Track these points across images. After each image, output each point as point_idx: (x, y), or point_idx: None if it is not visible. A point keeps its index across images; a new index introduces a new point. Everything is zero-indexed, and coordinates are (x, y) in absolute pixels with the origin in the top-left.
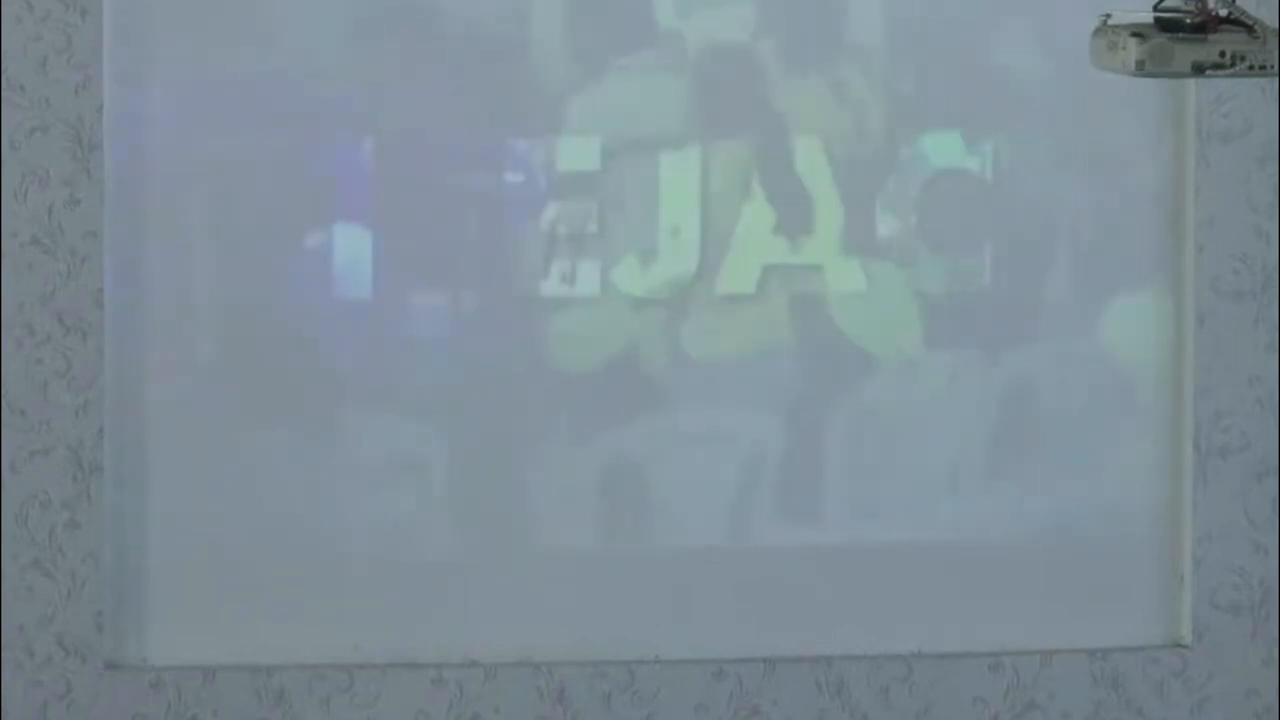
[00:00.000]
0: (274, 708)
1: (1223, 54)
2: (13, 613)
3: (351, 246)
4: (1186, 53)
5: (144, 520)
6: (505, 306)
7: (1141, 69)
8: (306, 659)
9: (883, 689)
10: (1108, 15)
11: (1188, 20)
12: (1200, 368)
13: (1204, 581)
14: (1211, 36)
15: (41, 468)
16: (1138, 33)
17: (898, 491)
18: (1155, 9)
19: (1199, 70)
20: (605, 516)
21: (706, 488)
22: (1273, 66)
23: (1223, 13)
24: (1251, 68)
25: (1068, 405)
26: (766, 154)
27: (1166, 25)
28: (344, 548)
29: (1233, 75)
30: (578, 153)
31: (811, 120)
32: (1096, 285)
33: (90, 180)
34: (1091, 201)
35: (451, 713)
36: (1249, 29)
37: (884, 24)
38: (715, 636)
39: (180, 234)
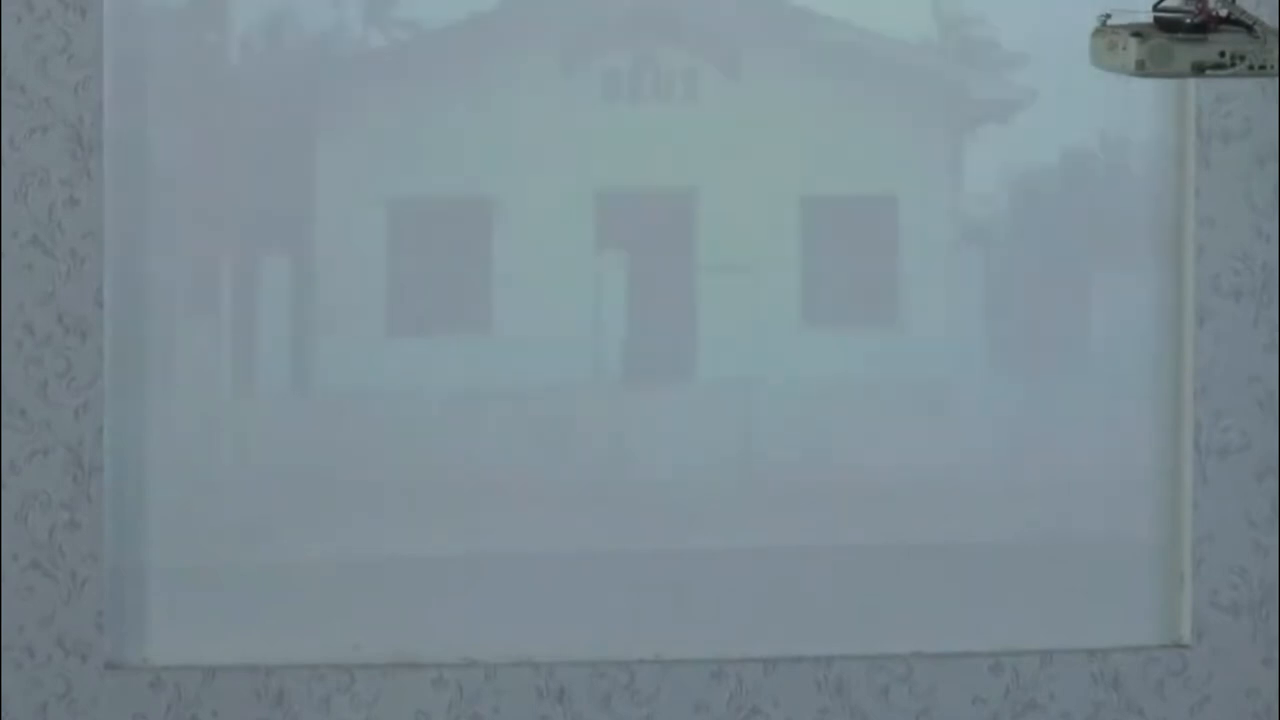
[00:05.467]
0: (274, 708)
1: (1223, 54)
2: (13, 613)
3: (354, 247)
4: (1186, 53)
5: (144, 520)
6: (505, 312)
7: (1141, 69)
8: (306, 659)
9: (883, 689)
10: (1108, 15)
11: (1188, 20)
12: (1200, 368)
13: (1204, 581)
14: (1211, 36)
15: (41, 468)
16: (1138, 33)
17: (898, 491)
18: (1155, 9)
19: (1199, 70)
20: (604, 517)
21: (707, 487)
22: (1273, 66)
23: (1223, 13)
24: (1251, 68)
25: (1067, 404)
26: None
27: (1166, 25)
28: (344, 548)
29: (1233, 75)
30: None
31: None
32: (1096, 285)
33: (90, 180)
34: (1091, 201)
35: (451, 713)
36: (1249, 29)
37: (881, 18)
38: (715, 636)
39: (180, 234)
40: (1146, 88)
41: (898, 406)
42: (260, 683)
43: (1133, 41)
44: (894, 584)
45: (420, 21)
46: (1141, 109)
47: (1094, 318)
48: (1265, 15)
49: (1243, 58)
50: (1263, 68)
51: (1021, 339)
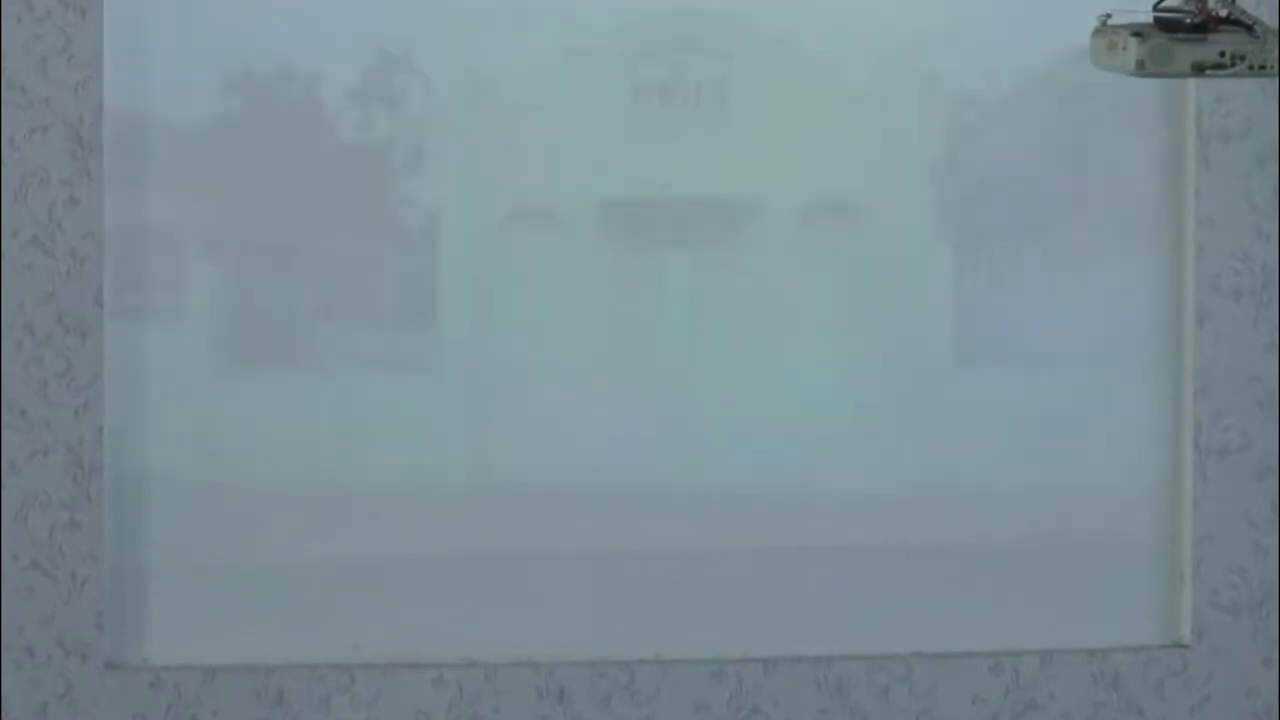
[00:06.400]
0: (274, 708)
1: (1223, 54)
2: (13, 613)
3: (354, 246)
4: (1186, 53)
5: (144, 520)
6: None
7: (1141, 69)
8: (306, 659)
9: (883, 689)
10: (1108, 15)
11: (1188, 20)
12: (1200, 368)
13: (1204, 581)
14: (1211, 36)
15: (41, 468)
16: (1138, 33)
17: (898, 492)
18: (1155, 9)
19: (1199, 70)
20: (605, 516)
21: (707, 488)
22: (1273, 66)
23: (1223, 13)
24: (1251, 68)
25: (1067, 405)
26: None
27: (1166, 25)
28: (344, 548)
29: (1233, 75)
30: None
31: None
32: (1096, 284)
33: (90, 180)
34: (1091, 201)
35: (451, 713)
36: (1249, 29)
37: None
38: (715, 636)
39: (180, 234)
40: (1146, 88)
41: (898, 407)
42: (260, 683)
43: (1133, 41)
44: (894, 584)
45: (428, 19)
46: (1141, 109)
47: (1094, 317)
48: (1265, 15)
49: (1243, 58)
50: (1263, 68)
51: (1022, 339)
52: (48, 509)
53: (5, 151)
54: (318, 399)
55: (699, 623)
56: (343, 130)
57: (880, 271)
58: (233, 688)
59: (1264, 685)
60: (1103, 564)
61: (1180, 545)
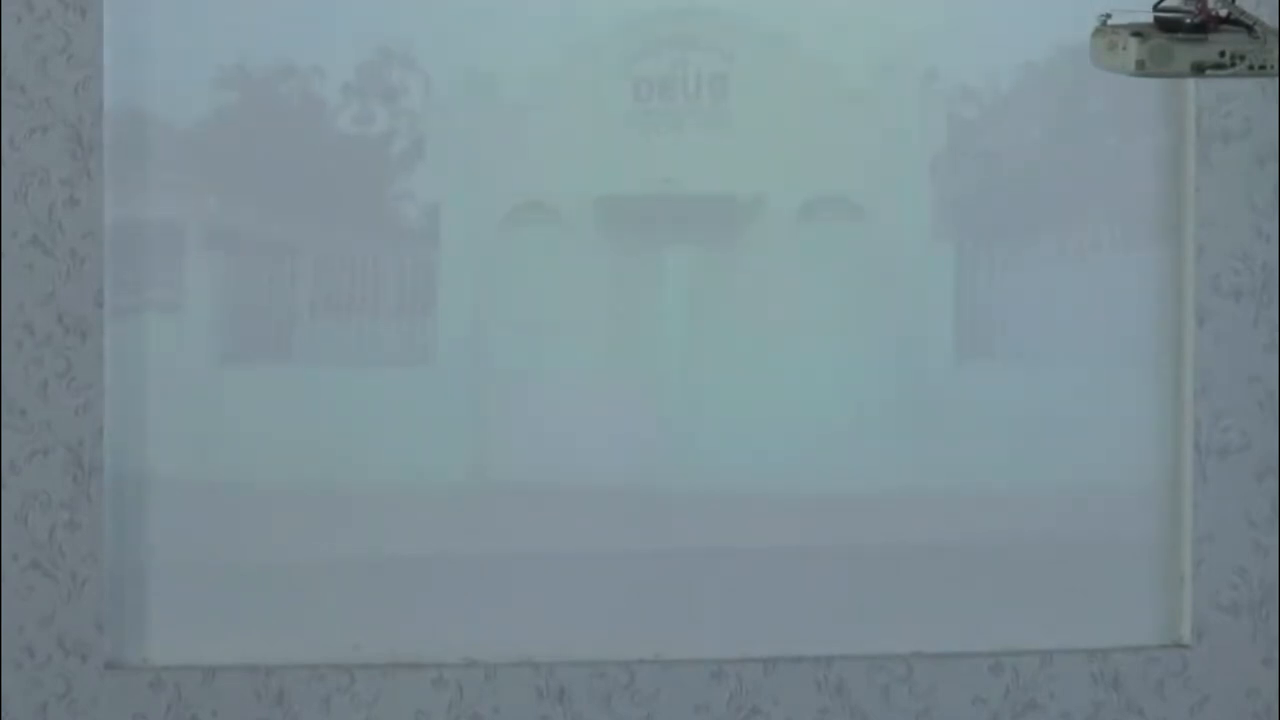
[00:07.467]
0: (274, 708)
1: (1223, 54)
2: (13, 613)
3: (354, 246)
4: (1186, 53)
5: (144, 520)
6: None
7: (1141, 69)
8: (306, 659)
9: (883, 689)
10: (1108, 15)
11: (1188, 20)
12: (1200, 368)
13: (1204, 581)
14: (1211, 36)
15: (41, 468)
16: (1138, 33)
17: (897, 492)
18: (1155, 9)
19: (1199, 70)
20: (605, 516)
21: (707, 488)
22: (1273, 66)
23: (1223, 13)
24: (1251, 68)
25: (1067, 405)
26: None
27: (1166, 25)
28: (344, 548)
29: (1233, 75)
30: None
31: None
32: (1097, 285)
33: (90, 180)
34: (1091, 201)
35: (451, 713)
36: (1249, 29)
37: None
38: (715, 636)
39: (180, 233)
40: (1146, 87)
41: (898, 406)
42: (260, 683)
43: (1133, 41)
44: (894, 584)
45: (428, 16)
46: (1141, 109)
47: (1094, 318)
48: (1265, 15)
49: (1243, 58)
50: (1263, 68)
51: (1022, 339)
52: (48, 509)
53: (5, 151)
54: (318, 397)
55: (699, 623)
56: (343, 128)
57: (880, 270)
58: (233, 688)
59: (1264, 685)
60: (1103, 564)
61: (1180, 545)
